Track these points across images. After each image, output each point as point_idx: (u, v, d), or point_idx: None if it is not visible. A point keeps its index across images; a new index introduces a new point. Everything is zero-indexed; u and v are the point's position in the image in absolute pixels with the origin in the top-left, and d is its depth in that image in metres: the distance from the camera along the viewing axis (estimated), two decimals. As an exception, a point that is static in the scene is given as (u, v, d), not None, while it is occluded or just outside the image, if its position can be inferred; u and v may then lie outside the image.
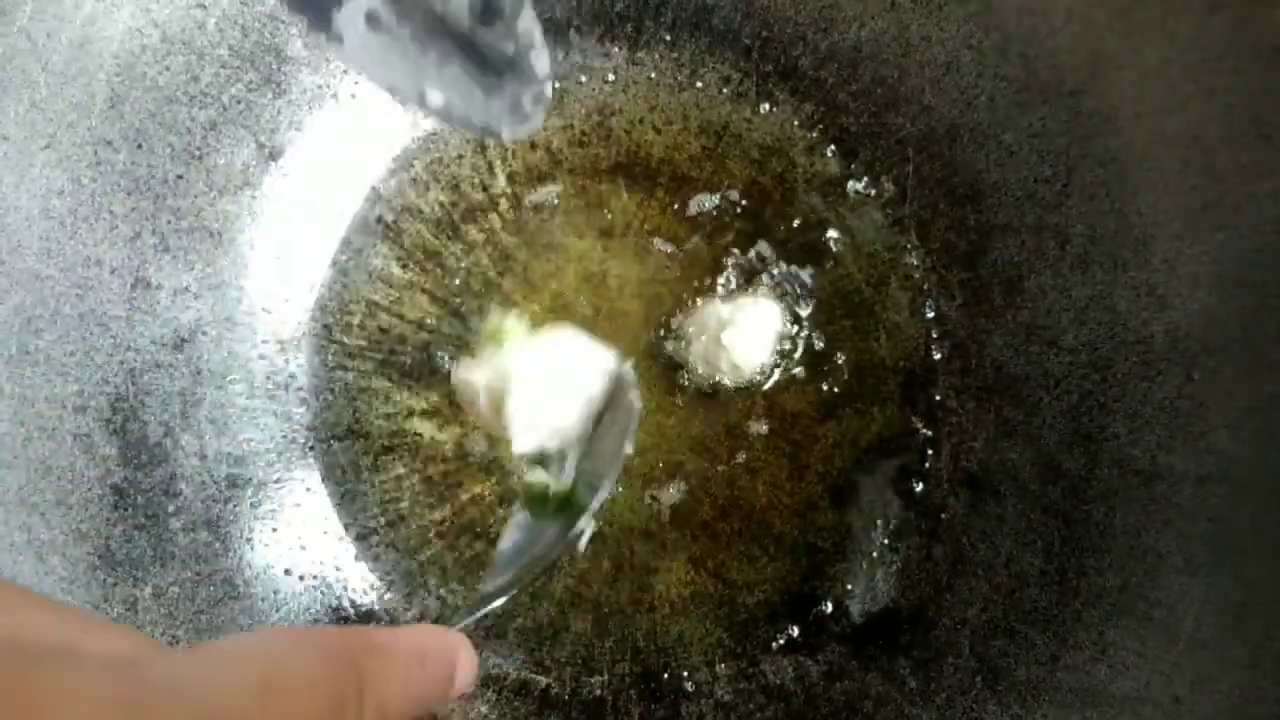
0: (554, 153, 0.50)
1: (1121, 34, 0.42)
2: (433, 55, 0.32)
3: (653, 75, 0.51)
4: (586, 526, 0.36)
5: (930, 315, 0.49)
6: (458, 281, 0.50)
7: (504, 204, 0.50)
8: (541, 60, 0.33)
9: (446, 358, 0.49)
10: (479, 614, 0.36)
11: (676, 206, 0.50)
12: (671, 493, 0.48)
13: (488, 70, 0.33)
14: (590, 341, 0.38)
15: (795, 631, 0.47)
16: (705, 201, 0.50)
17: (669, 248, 0.50)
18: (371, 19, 0.31)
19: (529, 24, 0.32)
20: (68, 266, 0.43)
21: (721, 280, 0.49)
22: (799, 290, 0.49)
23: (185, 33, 0.45)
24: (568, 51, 0.51)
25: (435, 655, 0.26)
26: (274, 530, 0.47)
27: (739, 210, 0.50)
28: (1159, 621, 0.41)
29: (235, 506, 0.47)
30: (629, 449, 0.36)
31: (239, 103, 0.47)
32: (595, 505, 0.36)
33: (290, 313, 0.49)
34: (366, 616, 0.47)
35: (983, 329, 0.48)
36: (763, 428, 0.48)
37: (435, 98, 0.32)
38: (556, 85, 0.51)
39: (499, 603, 0.36)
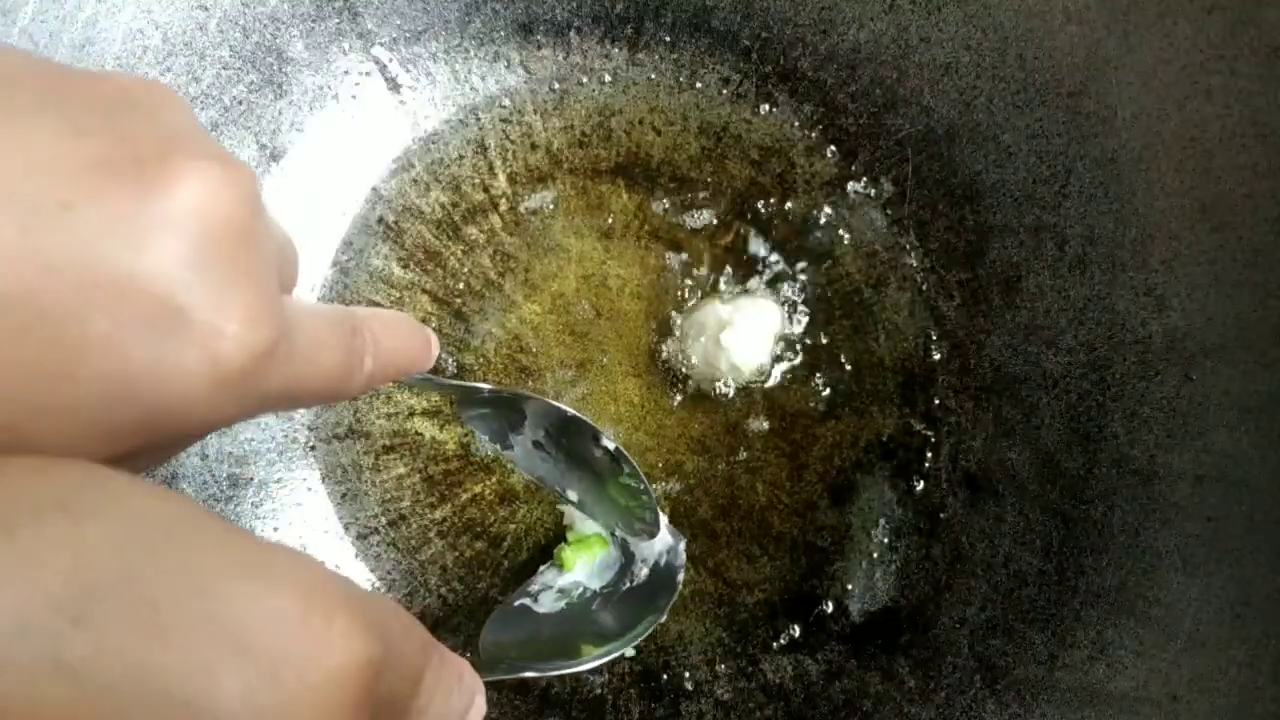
0: (554, 153, 0.51)
1: (1120, 35, 0.42)
2: (577, 474, 0.42)
3: (653, 76, 0.51)
4: (588, 664, 0.40)
5: (929, 315, 0.49)
6: (460, 283, 0.50)
7: (505, 205, 0.50)
8: (654, 519, 0.42)
9: (449, 358, 0.49)
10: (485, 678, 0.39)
11: (676, 207, 0.50)
12: (671, 492, 0.48)
13: (615, 499, 0.43)
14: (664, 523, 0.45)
15: (795, 631, 0.47)
16: (705, 202, 0.50)
17: (669, 248, 0.50)
18: (537, 444, 0.42)
19: (651, 502, 0.41)
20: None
21: (721, 280, 0.49)
22: (798, 291, 0.49)
23: (186, 34, 0.45)
24: (568, 52, 0.51)
25: (468, 683, 0.26)
26: (275, 530, 0.47)
27: (739, 211, 0.50)
28: (1157, 620, 0.41)
29: (236, 506, 0.47)
30: (661, 619, 0.41)
31: (240, 104, 0.47)
32: (611, 656, 0.40)
33: (291, 313, 0.49)
34: (367, 616, 0.47)
35: (981, 329, 0.48)
36: (762, 427, 0.48)
37: (573, 495, 0.43)
38: (556, 85, 0.51)
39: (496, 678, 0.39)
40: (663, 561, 0.44)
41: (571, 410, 0.40)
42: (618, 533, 0.44)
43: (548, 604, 0.43)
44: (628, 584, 0.44)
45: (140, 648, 0.15)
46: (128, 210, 0.17)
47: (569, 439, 0.41)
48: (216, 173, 0.19)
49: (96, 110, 0.18)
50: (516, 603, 0.42)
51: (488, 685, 0.27)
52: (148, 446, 0.19)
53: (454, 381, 0.42)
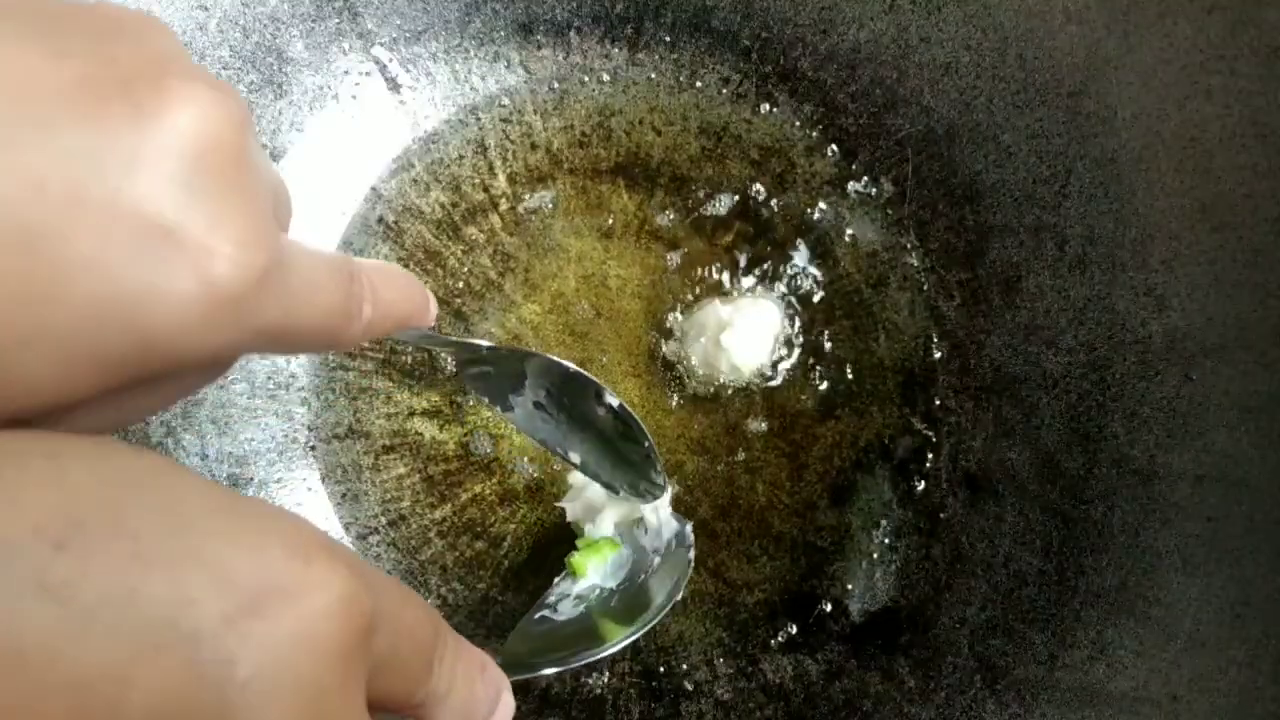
0: (554, 153, 0.51)
1: (1119, 35, 0.42)
2: (579, 435, 0.42)
3: (653, 76, 0.51)
4: (613, 647, 0.39)
5: (929, 315, 0.49)
6: (460, 283, 0.50)
7: (505, 205, 0.50)
8: (660, 478, 0.42)
9: (448, 358, 0.49)
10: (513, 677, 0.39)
11: (676, 207, 0.50)
12: (671, 492, 0.48)
13: (619, 459, 0.42)
14: (668, 510, 0.45)
15: (795, 631, 0.47)
16: (705, 202, 0.50)
17: (669, 248, 0.50)
18: (538, 405, 0.41)
19: (656, 459, 0.42)
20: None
21: (721, 280, 0.49)
22: (798, 291, 0.49)
23: (186, 34, 0.45)
24: (568, 52, 0.51)
25: (492, 675, 0.26)
26: (275, 530, 0.47)
27: (739, 211, 0.50)
28: (1157, 620, 0.41)
29: (236, 506, 0.47)
30: (678, 596, 0.41)
31: (240, 104, 0.47)
32: (635, 635, 0.40)
33: (291, 313, 0.49)
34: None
35: (981, 329, 0.48)
36: (762, 428, 0.48)
37: (575, 457, 0.42)
38: (556, 85, 0.51)
39: (526, 676, 0.38)
40: (673, 546, 0.44)
41: (573, 366, 0.39)
42: (623, 495, 0.44)
43: (566, 611, 0.43)
44: (643, 576, 0.44)
45: (122, 572, 0.16)
46: (115, 130, 0.17)
47: (570, 398, 0.40)
48: (208, 95, 0.18)
49: (84, 35, 0.18)
50: (536, 615, 0.42)
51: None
52: (142, 379, 0.19)
53: (453, 338, 0.41)
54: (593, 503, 0.45)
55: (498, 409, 0.41)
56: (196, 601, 0.16)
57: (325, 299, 0.22)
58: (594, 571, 0.44)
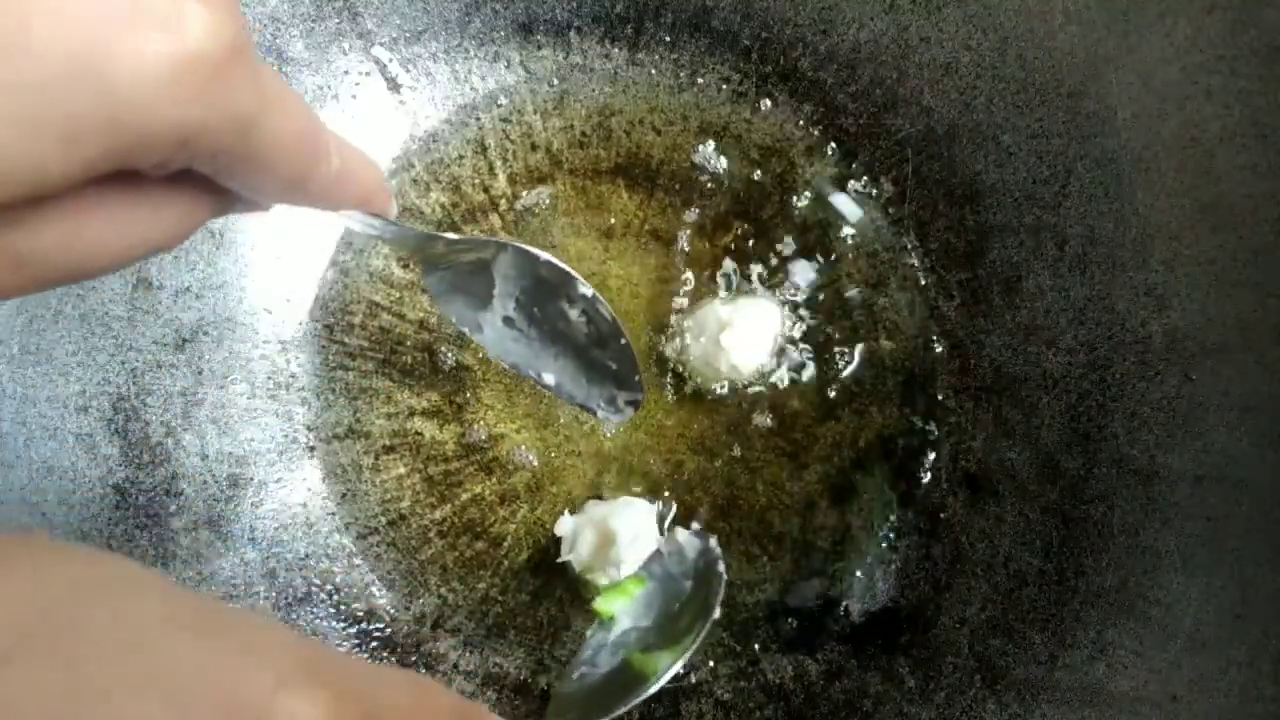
0: (554, 153, 0.51)
1: (1119, 35, 0.42)
2: (552, 351, 0.40)
3: (653, 75, 0.51)
4: (659, 682, 0.39)
5: (929, 315, 0.49)
6: (458, 282, 0.50)
7: (504, 205, 0.50)
8: (637, 380, 0.41)
9: (448, 357, 0.49)
10: None
11: (676, 207, 0.50)
12: (671, 492, 0.48)
13: (593, 371, 0.41)
14: (686, 532, 0.45)
15: (795, 631, 0.47)
16: (705, 201, 0.50)
17: (669, 248, 0.50)
18: (507, 320, 0.40)
19: (632, 358, 0.40)
20: (70, 267, 0.43)
21: (721, 281, 0.49)
22: (798, 291, 0.49)
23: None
24: (568, 52, 0.51)
25: None
26: (275, 529, 0.47)
27: (739, 211, 0.50)
28: (1157, 620, 0.41)
29: (237, 506, 0.47)
30: (716, 614, 0.40)
31: (240, 104, 0.47)
32: (679, 664, 0.39)
33: (291, 313, 0.49)
34: (368, 615, 0.47)
35: (981, 329, 0.48)
36: (762, 427, 0.48)
37: (549, 378, 0.41)
38: (556, 85, 0.51)
39: None
40: (701, 565, 0.43)
41: (545, 254, 0.37)
42: (600, 414, 0.42)
43: (605, 662, 0.42)
44: (678, 605, 0.42)
45: (68, 696, 0.15)
46: None
47: (541, 306, 0.39)
48: None
49: None
50: (575, 675, 0.41)
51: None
52: (112, 156, 0.18)
53: (417, 229, 0.38)
54: (594, 544, 0.43)
55: (467, 330, 0.40)
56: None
57: (296, 123, 0.22)
58: (624, 614, 0.43)
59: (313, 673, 0.17)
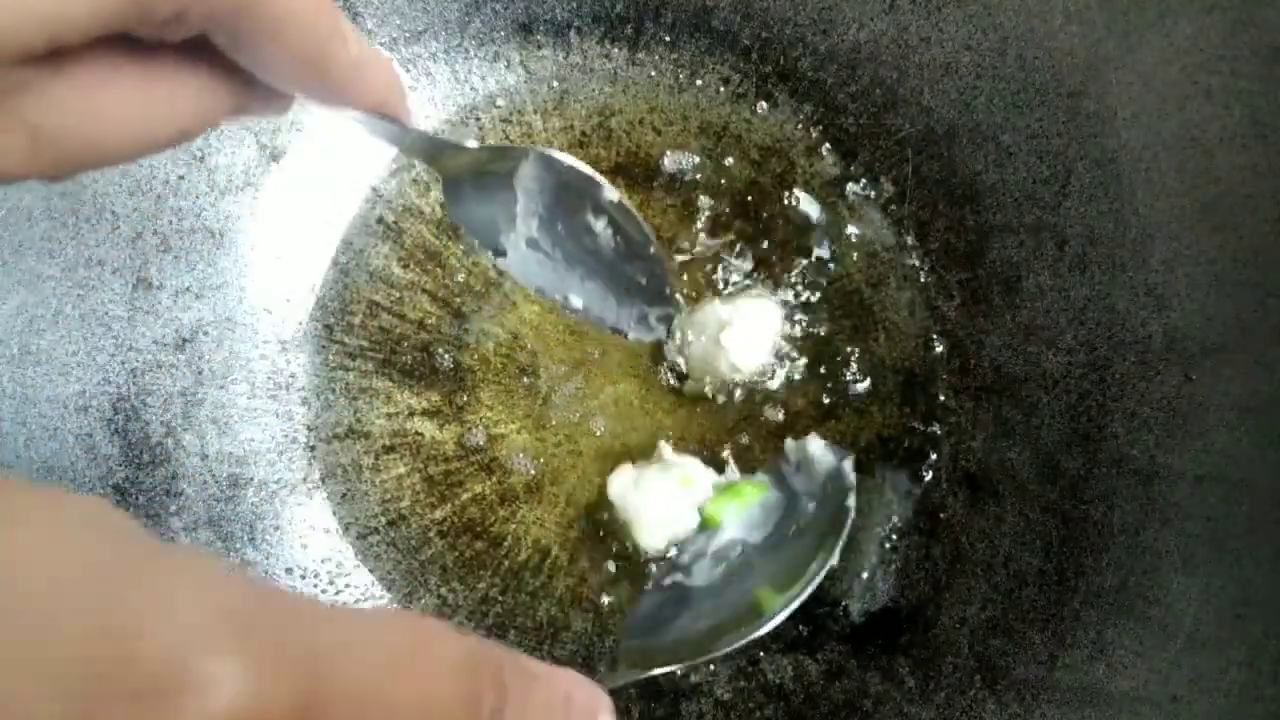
0: (554, 153, 0.51)
1: (1119, 35, 0.42)
2: (579, 271, 0.38)
3: (653, 75, 0.51)
4: (764, 626, 0.33)
5: (929, 315, 0.49)
6: (459, 280, 0.50)
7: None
8: (669, 293, 0.38)
9: (448, 357, 0.49)
10: (638, 677, 0.32)
11: (676, 206, 0.50)
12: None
13: (622, 290, 0.38)
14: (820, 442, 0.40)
15: (795, 631, 0.47)
16: (705, 202, 0.50)
17: (669, 248, 0.50)
18: (531, 242, 0.37)
19: (663, 270, 0.37)
20: (69, 266, 0.43)
21: (721, 280, 0.49)
22: (798, 290, 0.49)
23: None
24: (568, 52, 0.51)
25: (581, 705, 0.23)
26: (275, 529, 0.47)
27: (739, 210, 0.50)
28: (1157, 620, 0.41)
29: (236, 506, 0.47)
30: (834, 561, 0.34)
31: (240, 103, 0.47)
32: (790, 607, 0.33)
33: (291, 313, 0.49)
34: (367, 616, 0.47)
35: (981, 329, 0.48)
36: (762, 427, 0.48)
37: (576, 301, 0.38)
38: (556, 85, 0.51)
39: (662, 671, 0.32)
40: (830, 489, 0.36)
41: (568, 159, 0.34)
42: (631, 335, 0.38)
43: (703, 575, 0.35)
44: (794, 528, 0.35)
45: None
46: None
47: (565, 222, 0.36)
48: None
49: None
50: (667, 580, 0.35)
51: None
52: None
53: (437, 137, 0.35)
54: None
55: (490, 254, 0.37)
56: None
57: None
58: (733, 522, 0.37)
59: (242, 626, 0.14)
